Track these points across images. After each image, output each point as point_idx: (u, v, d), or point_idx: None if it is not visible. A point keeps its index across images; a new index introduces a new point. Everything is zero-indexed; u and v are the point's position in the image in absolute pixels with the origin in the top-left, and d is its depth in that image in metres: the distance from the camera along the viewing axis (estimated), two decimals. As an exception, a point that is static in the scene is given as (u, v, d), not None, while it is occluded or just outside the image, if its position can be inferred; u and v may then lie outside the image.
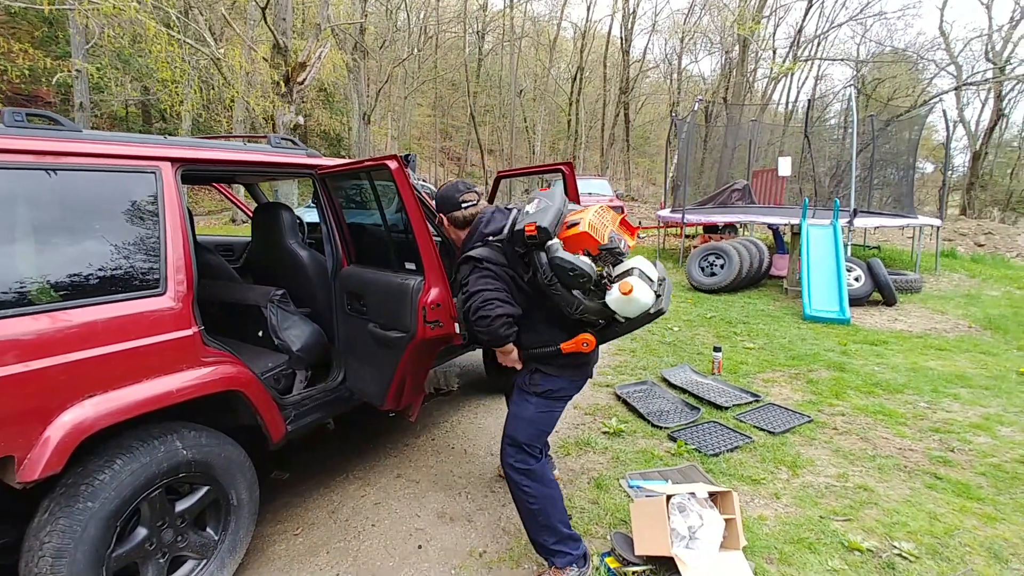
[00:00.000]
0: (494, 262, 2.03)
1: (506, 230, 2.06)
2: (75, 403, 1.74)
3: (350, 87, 20.74)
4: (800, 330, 6.22)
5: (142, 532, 1.96)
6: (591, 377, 2.37)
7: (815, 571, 2.32)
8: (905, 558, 2.40)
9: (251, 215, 3.46)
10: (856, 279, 7.45)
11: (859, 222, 8.55)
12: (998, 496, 2.89)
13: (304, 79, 9.71)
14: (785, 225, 8.87)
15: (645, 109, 34.50)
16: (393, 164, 2.17)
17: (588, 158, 30.23)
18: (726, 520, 2.34)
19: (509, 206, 2.22)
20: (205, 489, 2.14)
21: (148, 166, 2.04)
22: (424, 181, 11.61)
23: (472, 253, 2.07)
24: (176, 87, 9.79)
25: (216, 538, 2.20)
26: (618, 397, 4.16)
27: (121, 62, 11.60)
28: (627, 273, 1.99)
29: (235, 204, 4.59)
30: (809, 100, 13.13)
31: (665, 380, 4.51)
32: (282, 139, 2.70)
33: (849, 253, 7.84)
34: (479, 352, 4.25)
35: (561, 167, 2.83)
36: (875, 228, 10.59)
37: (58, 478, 1.77)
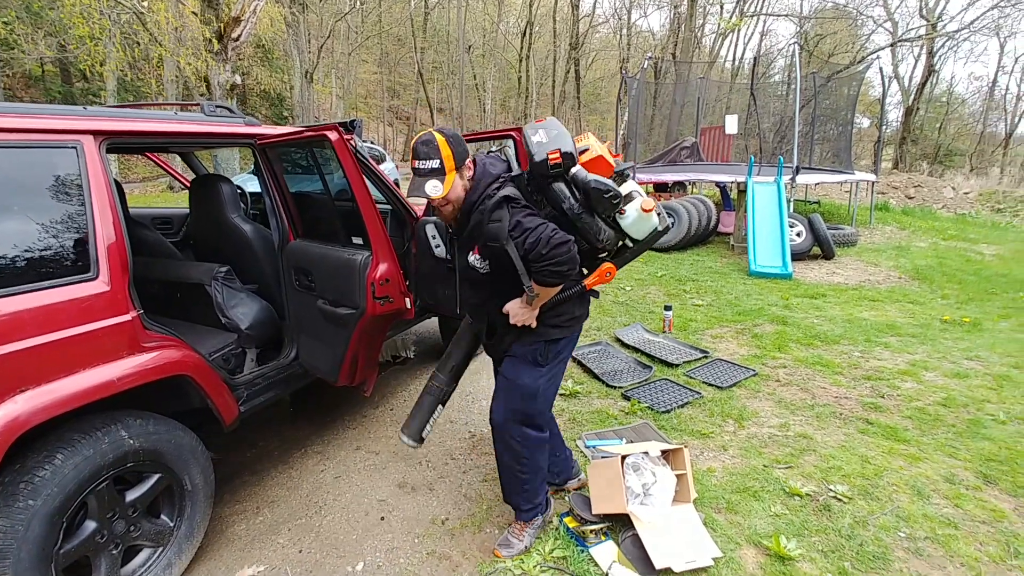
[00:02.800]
0: (525, 204, 1.91)
1: (515, 166, 2.01)
2: (6, 399, 1.64)
3: (290, 43, 19.68)
4: (746, 286, 6.45)
5: (91, 525, 1.90)
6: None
7: (759, 517, 2.48)
8: (840, 500, 2.58)
9: (188, 186, 3.28)
10: (798, 234, 7.74)
11: (801, 179, 8.83)
12: (922, 437, 3.13)
13: (239, 35, 9.12)
14: (732, 182, 9.08)
15: (596, 65, 34.19)
16: (333, 135, 2.08)
17: (539, 115, 29.90)
18: (677, 476, 2.45)
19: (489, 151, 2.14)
20: (156, 477, 2.08)
21: (68, 140, 1.89)
22: (372, 143, 11.25)
23: (504, 193, 1.86)
24: (96, 45, 9.01)
25: (172, 524, 2.16)
26: (573, 359, 4.24)
27: (30, 15, 10.55)
28: (631, 196, 1.99)
29: (170, 174, 4.34)
30: (755, 57, 13.27)
31: (619, 340, 4.63)
32: (217, 107, 2.54)
33: (791, 209, 8.11)
34: (435, 320, 4.23)
35: (511, 132, 2.78)
36: (816, 184, 10.97)
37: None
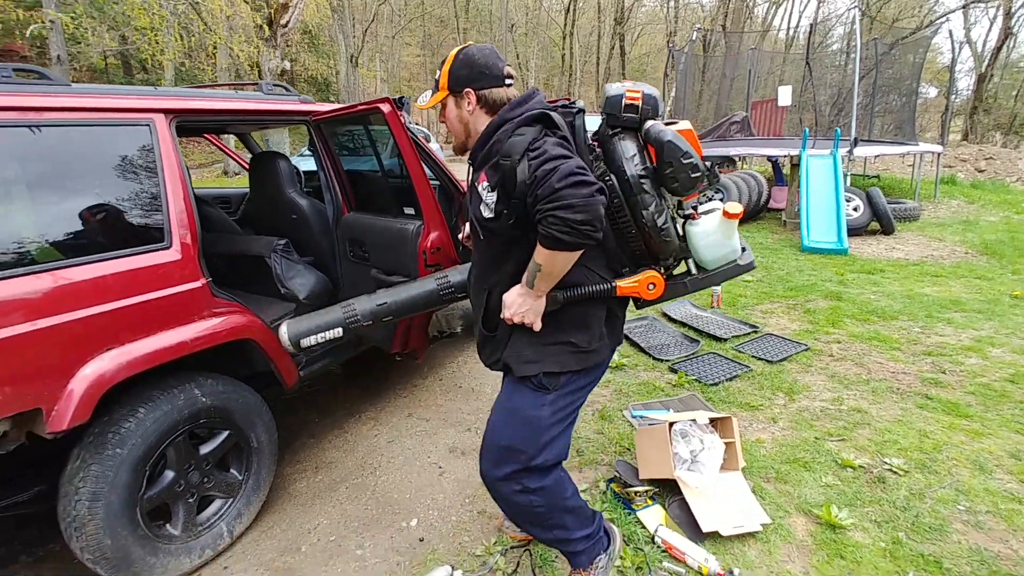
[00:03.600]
0: (566, 132, 1.42)
1: (582, 103, 1.56)
2: (94, 357, 1.79)
3: (335, 28, 19.98)
4: (798, 262, 6.26)
5: (170, 475, 2.06)
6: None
7: (809, 487, 2.45)
8: (895, 472, 2.52)
9: (246, 166, 3.43)
10: (855, 209, 7.44)
11: (859, 151, 8.45)
12: (986, 413, 3.01)
13: (287, 21, 9.34)
14: (784, 157, 8.76)
15: (641, 40, 33.31)
16: (386, 107, 2.14)
17: (583, 94, 29.43)
18: (726, 444, 2.45)
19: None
20: (226, 433, 2.23)
21: (142, 118, 2.02)
22: (417, 124, 11.36)
23: (546, 113, 1.42)
24: (155, 35, 9.42)
25: (240, 478, 2.31)
26: (619, 333, 4.25)
27: (96, 10, 11.10)
28: (714, 208, 1.59)
29: (228, 155, 4.53)
30: (811, 24, 12.65)
31: (665, 315, 4.59)
32: (274, 85, 2.64)
33: (848, 183, 7.79)
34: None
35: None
36: (875, 157, 10.46)
37: (85, 428, 1.84)
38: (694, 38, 12.24)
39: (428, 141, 10.21)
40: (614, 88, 1.51)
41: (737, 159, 11.79)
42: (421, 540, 2.27)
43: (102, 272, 1.83)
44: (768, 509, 2.29)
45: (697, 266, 1.63)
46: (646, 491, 2.36)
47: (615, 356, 3.71)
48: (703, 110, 15.25)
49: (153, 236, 2.00)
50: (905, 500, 2.34)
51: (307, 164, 5.63)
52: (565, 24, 28.07)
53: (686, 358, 3.75)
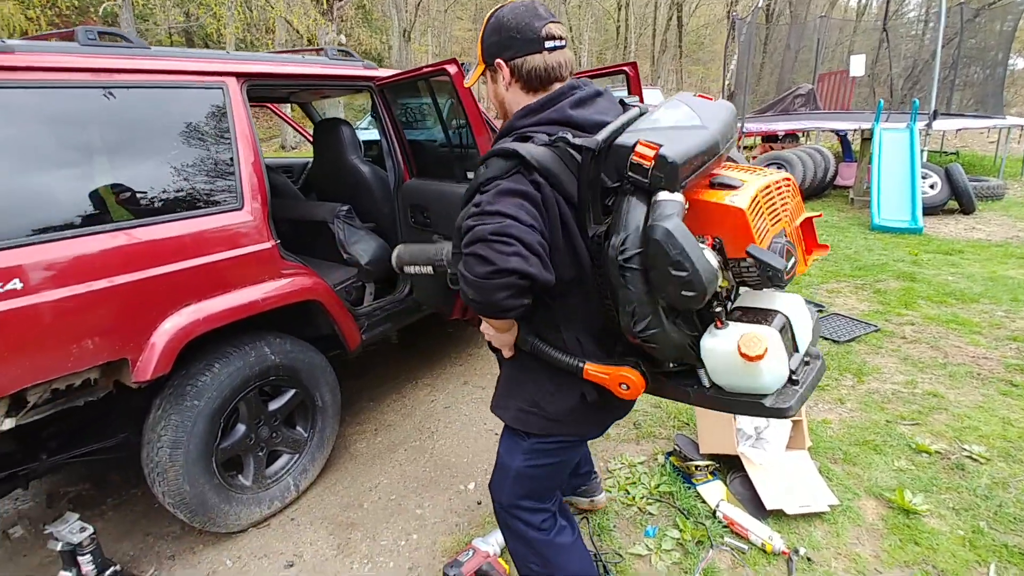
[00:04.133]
0: (554, 178, 1.11)
1: (603, 135, 1.09)
2: (174, 311, 1.87)
3: (388, 2, 19.99)
4: (867, 240, 5.95)
5: (242, 428, 2.15)
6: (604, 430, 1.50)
7: (880, 470, 2.35)
8: (975, 460, 2.38)
9: (308, 136, 3.48)
10: (931, 186, 6.98)
11: (938, 124, 7.90)
12: (1080, 402, 2.80)
13: (343, -5, 9.44)
14: (855, 131, 8.29)
15: (699, 11, 31.98)
16: (452, 68, 2.11)
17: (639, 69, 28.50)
18: (792, 422, 2.36)
19: (619, 95, 1.27)
20: (293, 392, 2.30)
21: (215, 81, 2.06)
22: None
23: (521, 148, 1.11)
24: (219, 9, 9.67)
25: (306, 435, 2.39)
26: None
27: (161, -14, 11.56)
28: (764, 318, 1.14)
29: (289, 124, 4.62)
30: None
31: (724, 292, 4.45)
32: (338, 51, 2.65)
33: (924, 159, 7.31)
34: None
35: (624, 68, 2.68)
36: (956, 131, 9.76)
37: (166, 380, 1.93)
38: (760, 4, 11.61)
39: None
40: (626, 137, 1.07)
41: (801, 134, 11.23)
42: (479, 503, 2.30)
43: (180, 231, 1.90)
44: (836, 490, 2.20)
45: (710, 379, 1.17)
46: (707, 466, 2.31)
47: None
48: (763, 84, 14.58)
49: (226, 197, 2.05)
50: (987, 489, 2.21)
51: (367, 135, 5.68)
52: (621, -6, 27.25)
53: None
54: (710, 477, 2.28)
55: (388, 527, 2.20)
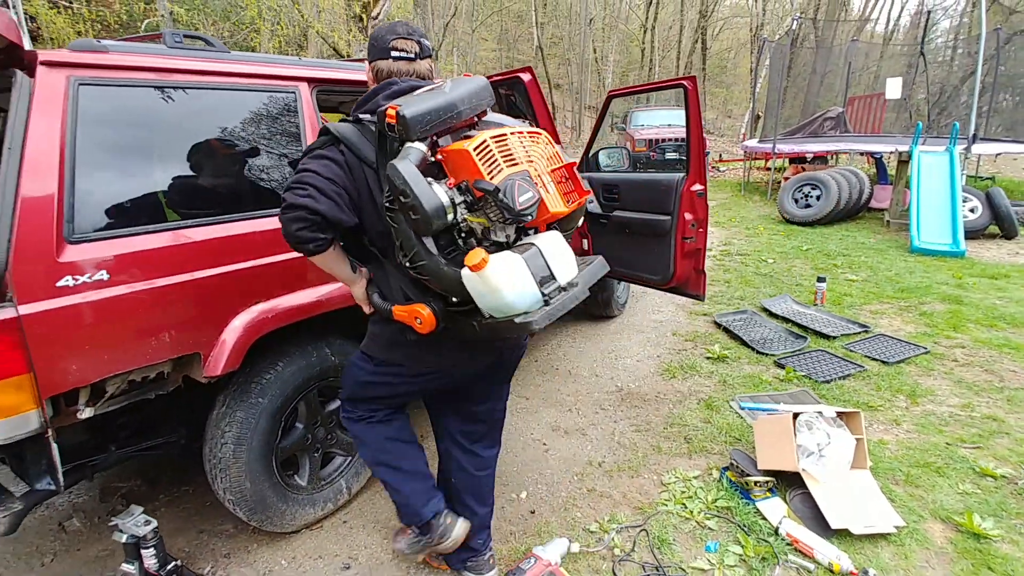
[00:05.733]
0: (355, 147, 1.44)
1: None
2: (244, 309, 1.89)
3: (418, 22, 20.41)
4: (907, 263, 5.85)
5: (300, 428, 2.16)
6: (455, 371, 1.67)
7: (945, 493, 2.28)
8: (1045, 486, 2.30)
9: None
10: (972, 210, 6.87)
11: (977, 148, 7.78)
12: None
13: (378, 13, 9.64)
14: (891, 153, 8.21)
15: (723, 35, 32.13)
16: (526, 76, 2.14)
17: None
18: (854, 440, 2.31)
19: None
20: (349, 393, 2.30)
21: (289, 85, 2.11)
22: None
23: (331, 126, 1.48)
24: (263, 23, 9.97)
25: (359, 438, 2.39)
26: (718, 325, 4.11)
27: (202, 2, 11.87)
28: (518, 247, 1.31)
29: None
30: (926, 10, 11.73)
31: (765, 310, 4.40)
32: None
33: (963, 182, 7.20)
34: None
35: (683, 82, 2.70)
36: (995, 156, 9.61)
37: (231, 377, 1.95)
38: (793, 25, 11.63)
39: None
40: (385, 104, 1.34)
41: (830, 156, 11.15)
42: (532, 512, 2.27)
43: (252, 229, 1.93)
44: (900, 512, 2.14)
45: (486, 309, 1.31)
46: (765, 482, 2.26)
47: (715, 348, 3.59)
48: (787, 107, 14.53)
49: (294, 199, 2.08)
50: (1062, 515, 2.13)
51: None
52: (646, 18, 27.45)
53: (792, 353, 3.58)
54: (768, 494, 2.23)
55: (441, 533, 2.18)
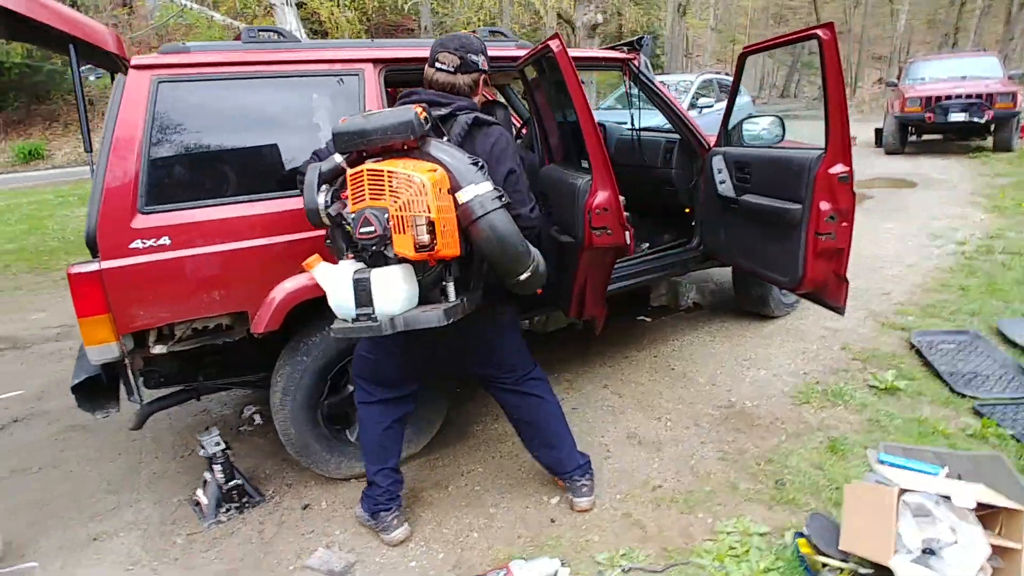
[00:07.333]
0: None
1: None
2: (288, 277, 2.09)
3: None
4: None
5: (350, 389, 2.34)
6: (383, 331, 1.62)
7: None
8: None
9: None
10: None
11: None
12: None
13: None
14: None
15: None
16: (556, 45, 1.90)
17: (987, 28, 21.72)
18: (996, 546, 1.59)
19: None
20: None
21: (353, 68, 2.21)
22: (727, 74, 10.24)
23: None
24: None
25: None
26: (912, 346, 3.14)
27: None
28: (363, 268, 1.60)
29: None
30: None
31: (1001, 333, 3.20)
32: (491, 32, 2.61)
33: None
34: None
35: (817, 32, 2.08)
36: None
37: (289, 335, 2.20)
38: None
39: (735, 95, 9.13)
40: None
41: None
42: (552, 521, 2.12)
43: (295, 207, 2.09)
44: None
45: None
46: (842, 568, 1.71)
47: (888, 375, 2.81)
48: None
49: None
50: None
51: (613, 117, 5.61)
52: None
53: (1011, 401, 2.57)
54: (843, 583, 1.69)
55: (457, 518, 2.17)
